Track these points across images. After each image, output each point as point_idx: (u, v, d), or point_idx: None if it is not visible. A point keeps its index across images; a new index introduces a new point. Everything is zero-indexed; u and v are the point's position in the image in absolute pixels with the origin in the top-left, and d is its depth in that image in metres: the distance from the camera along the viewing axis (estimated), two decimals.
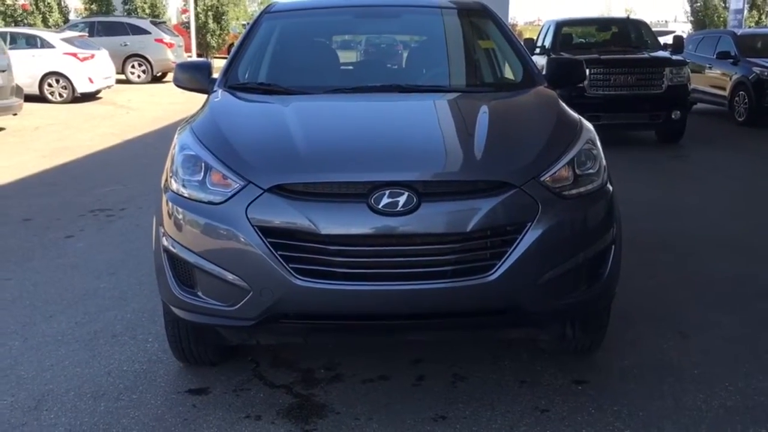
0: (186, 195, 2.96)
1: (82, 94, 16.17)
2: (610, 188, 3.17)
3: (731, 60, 13.12)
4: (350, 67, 4.25)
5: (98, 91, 16.88)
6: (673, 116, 10.66)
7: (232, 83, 3.90)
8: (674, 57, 11.20)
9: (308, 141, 3.04)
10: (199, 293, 2.93)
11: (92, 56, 16.32)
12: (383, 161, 2.92)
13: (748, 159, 9.83)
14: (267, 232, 2.77)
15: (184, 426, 3.01)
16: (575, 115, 3.51)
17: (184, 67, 4.10)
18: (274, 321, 2.87)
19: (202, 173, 2.95)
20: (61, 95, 16.04)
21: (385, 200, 2.74)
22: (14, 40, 16.23)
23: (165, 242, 3.03)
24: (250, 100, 3.70)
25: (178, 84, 4.12)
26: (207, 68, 4.08)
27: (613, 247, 3.10)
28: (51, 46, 16.09)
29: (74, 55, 15.92)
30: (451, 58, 4.25)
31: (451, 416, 3.08)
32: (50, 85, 16.04)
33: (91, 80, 16.20)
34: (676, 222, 6.38)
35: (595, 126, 11.37)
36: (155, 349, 3.70)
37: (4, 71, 11.86)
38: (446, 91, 3.75)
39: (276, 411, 3.12)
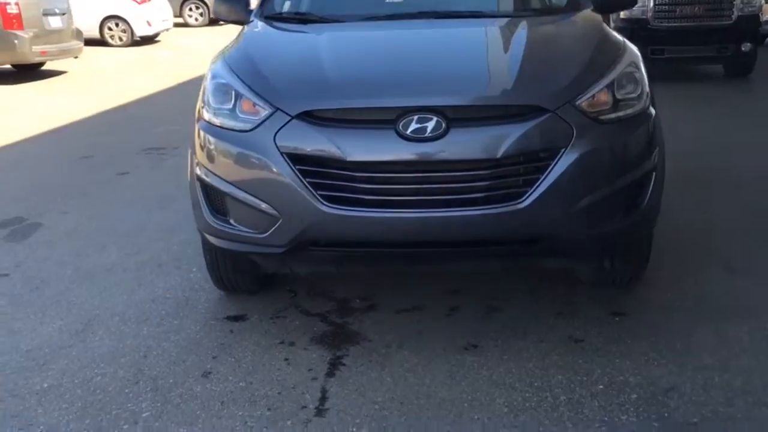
0: (217, 124, 2.98)
1: (141, 37, 16.39)
2: (653, 112, 3.04)
3: None
4: None
5: (156, 35, 17.09)
6: (742, 49, 10.10)
7: (268, 13, 3.87)
8: None
9: (337, 67, 3.01)
10: (231, 221, 2.97)
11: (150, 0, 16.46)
12: (411, 86, 2.86)
13: None
14: (295, 159, 2.76)
15: (221, 350, 3.10)
16: (619, 37, 3.36)
17: None
18: (303, 248, 2.89)
19: (233, 101, 2.95)
20: (120, 39, 16.30)
21: (413, 126, 2.70)
22: None
23: (198, 171, 3.07)
24: (283, 29, 3.67)
25: (217, 16, 4.11)
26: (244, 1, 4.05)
27: (653, 174, 2.99)
28: None
29: None
30: None
31: (482, 345, 3.08)
32: (110, 29, 16.31)
33: (149, 23, 16.39)
34: (735, 158, 6.11)
35: (659, 60, 10.97)
36: (198, 279, 3.79)
37: (64, 14, 12.09)
38: (484, 17, 3.63)
39: (310, 338, 3.18)
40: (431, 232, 2.77)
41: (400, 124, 2.70)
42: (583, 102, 2.80)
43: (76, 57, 12.71)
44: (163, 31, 17.30)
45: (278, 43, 3.51)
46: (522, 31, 3.25)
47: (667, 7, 10.24)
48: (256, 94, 2.90)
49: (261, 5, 3.94)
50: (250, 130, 2.85)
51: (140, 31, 16.32)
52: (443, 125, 2.69)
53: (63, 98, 10.13)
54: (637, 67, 3.08)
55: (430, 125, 2.69)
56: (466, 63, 3.05)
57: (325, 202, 2.74)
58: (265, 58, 3.20)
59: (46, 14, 11.63)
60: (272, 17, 3.83)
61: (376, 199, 2.74)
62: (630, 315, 3.31)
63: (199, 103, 3.17)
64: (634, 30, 10.37)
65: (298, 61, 3.13)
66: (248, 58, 3.20)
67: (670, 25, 10.28)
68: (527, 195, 2.72)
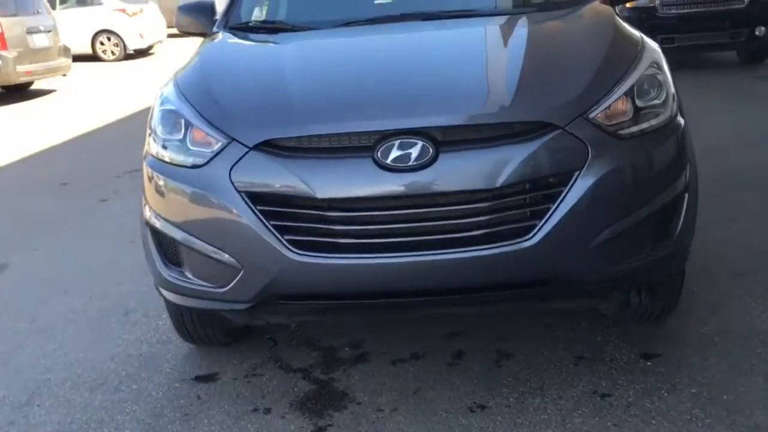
0: (166, 158, 2.52)
1: (134, 50, 15.99)
2: (681, 121, 2.57)
3: None
4: None
5: (150, 47, 16.69)
6: (756, 33, 9.56)
7: (234, 23, 3.41)
8: None
9: (304, 86, 2.54)
10: (187, 273, 2.52)
11: (141, 11, 16.06)
12: (393, 105, 2.39)
13: None
14: (255, 198, 2.30)
15: (183, 423, 2.64)
16: (636, 33, 2.88)
17: (185, 9, 3.62)
18: (272, 303, 2.44)
19: (183, 131, 2.50)
20: (113, 53, 15.92)
21: (395, 153, 2.23)
22: (64, 0, 16.12)
23: (147, 215, 2.62)
24: (248, 42, 3.20)
25: (180, 28, 3.67)
26: (209, 9, 3.59)
27: (686, 195, 2.51)
28: (100, 3, 15.89)
29: (123, 11, 15.70)
30: None
31: (491, 405, 2.60)
32: (102, 44, 15.94)
33: (141, 36, 16.00)
34: (760, 154, 5.62)
35: (669, 49, 10.50)
36: (166, 329, 3.33)
37: (49, 32, 11.69)
38: (479, 15, 3.15)
39: (289, 402, 2.71)
40: (421, 279, 2.30)
41: (379, 152, 2.24)
42: (598, 114, 2.33)
43: (64, 75, 12.33)
44: (156, 43, 16.90)
45: (238, 59, 3.03)
46: (522, 31, 2.77)
47: None
48: (208, 122, 2.44)
49: (225, 14, 3.48)
50: (203, 165, 2.39)
51: (133, 44, 15.93)
52: (431, 151, 2.23)
53: (46, 120, 9.72)
54: (660, 68, 2.60)
55: (415, 151, 2.23)
56: (457, 74, 2.56)
57: (293, 249, 2.28)
58: (221, 78, 2.74)
59: (30, 32, 11.24)
60: (238, 28, 3.37)
61: (354, 242, 2.28)
62: (663, 357, 2.82)
63: (147, 135, 2.72)
64: (642, 19, 9.89)
65: (260, 81, 2.66)
66: (201, 80, 2.73)
67: (679, 11, 9.77)
68: (535, 230, 2.25)
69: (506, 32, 2.84)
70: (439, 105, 2.36)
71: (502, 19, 3.06)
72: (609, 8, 3.11)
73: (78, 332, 3.43)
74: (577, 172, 2.26)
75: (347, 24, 3.20)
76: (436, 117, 2.29)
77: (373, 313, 2.74)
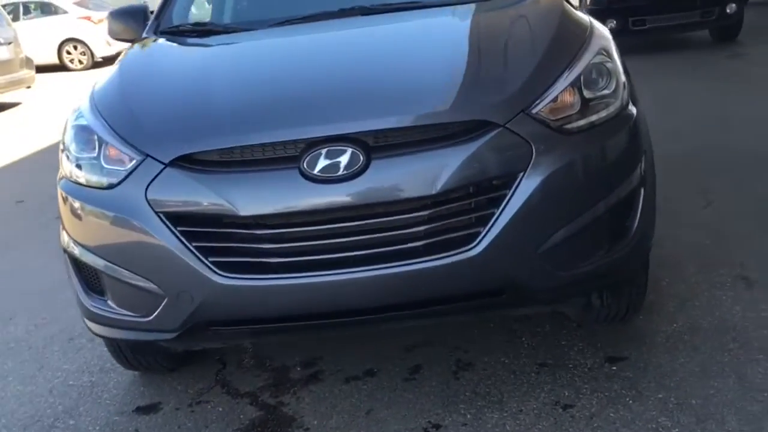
0: (80, 179, 2.34)
1: (102, 58, 15.68)
2: (634, 110, 2.40)
3: None
4: None
5: (118, 54, 16.38)
6: (727, 10, 9.46)
7: (164, 27, 3.21)
8: None
9: (228, 94, 2.35)
10: (110, 302, 2.33)
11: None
12: (319, 111, 2.20)
13: None
14: (175, 218, 2.12)
15: None
16: (585, 19, 2.72)
17: (116, 15, 3.44)
18: (202, 330, 2.26)
19: (97, 149, 2.31)
20: (80, 62, 15.61)
21: (322, 162, 2.06)
22: (28, 10, 15.80)
23: (65, 241, 2.43)
24: (175, 46, 3.01)
25: (114, 36, 3.47)
26: (141, 13, 3.40)
27: (641, 190, 2.35)
28: (65, 12, 15.58)
29: (88, 18, 15.39)
30: None
31: (447, 423, 2.43)
32: (69, 53, 15.61)
33: (108, 43, 15.64)
34: (733, 135, 5.47)
35: (641, 31, 10.32)
36: (110, 355, 3.14)
37: (10, 43, 11.40)
38: (421, 8, 2.96)
39: (233, 431, 2.54)
40: (360, 297, 2.13)
41: (305, 162, 2.06)
42: (542, 109, 2.16)
43: (28, 87, 12.03)
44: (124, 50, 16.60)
45: (161, 66, 2.82)
46: (463, 24, 2.59)
47: None
48: (121, 138, 2.25)
49: (156, 18, 3.29)
50: (117, 184, 2.21)
51: (100, 52, 15.60)
52: (361, 158, 2.05)
53: (9, 134, 9.47)
54: (609, 55, 2.43)
55: (344, 159, 2.05)
56: (390, 73, 2.38)
57: (219, 272, 2.10)
58: (139, 89, 2.54)
59: None
60: (169, 32, 3.18)
61: (284, 261, 2.11)
62: (629, 359, 2.67)
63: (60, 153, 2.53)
64: (612, 2, 9.78)
65: (181, 90, 2.47)
66: (117, 91, 2.54)
67: None
68: (480, 238, 2.08)
69: (446, 26, 2.66)
70: (369, 108, 2.18)
71: (445, 11, 2.88)
72: None
73: (19, 363, 3.24)
74: (521, 173, 2.10)
75: (283, 23, 3.01)
76: (366, 121, 2.12)
77: (315, 333, 2.57)
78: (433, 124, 2.12)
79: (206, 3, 3.59)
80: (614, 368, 2.63)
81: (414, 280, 2.09)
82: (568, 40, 2.44)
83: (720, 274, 3.24)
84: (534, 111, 2.14)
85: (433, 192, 2.06)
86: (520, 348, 2.82)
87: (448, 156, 2.07)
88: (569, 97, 2.22)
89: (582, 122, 2.21)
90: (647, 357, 2.67)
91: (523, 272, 2.15)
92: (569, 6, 2.85)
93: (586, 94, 2.26)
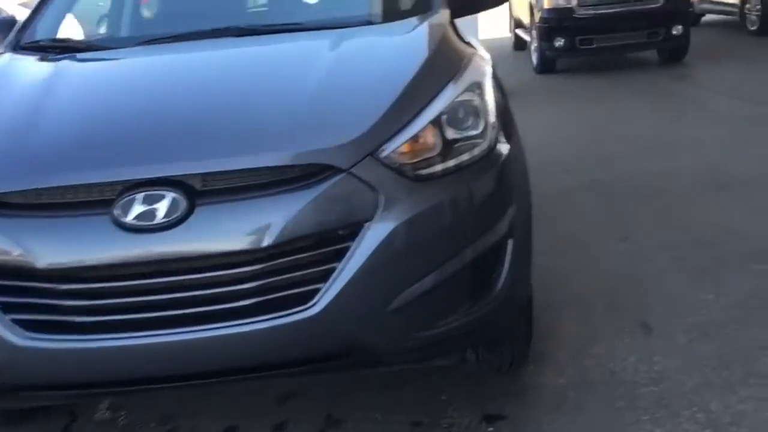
0: None
1: None
2: (505, 151, 2.19)
3: None
4: (181, 7, 3.23)
5: None
6: (674, 32, 9.47)
7: (25, 41, 2.94)
8: None
9: (48, 127, 2.08)
10: None
11: None
12: (139, 149, 1.96)
13: (759, 74, 8.62)
14: None
15: None
16: (464, 48, 2.51)
17: None
18: (9, 394, 2.00)
19: None
20: None
21: (138, 208, 1.81)
22: None
23: None
24: (26, 65, 2.72)
25: None
26: (9, 27, 3.12)
27: (509, 241, 2.13)
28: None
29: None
30: None
31: None
32: None
33: None
34: (668, 161, 5.35)
35: (589, 50, 10.23)
36: None
37: None
38: (297, 30, 2.74)
39: None
40: (181, 360, 1.89)
41: (118, 208, 1.82)
42: (393, 152, 1.94)
43: None
44: None
45: None
46: (325, 53, 2.34)
47: None
48: None
49: (19, 31, 3.01)
50: None
51: None
52: (183, 204, 1.82)
53: None
54: (480, 90, 2.22)
55: (163, 206, 1.81)
56: (230, 108, 2.14)
57: (20, 331, 1.85)
58: None
59: None
60: (30, 47, 2.90)
61: (94, 321, 1.86)
62: (508, 419, 2.45)
63: None
64: (561, 20, 9.72)
65: (6, 118, 2.20)
66: None
67: (596, 12, 9.64)
68: (319, 296, 1.86)
69: (308, 54, 2.42)
70: (196, 147, 1.94)
71: (318, 35, 2.64)
72: (442, 21, 2.72)
73: None
74: (366, 224, 1.88)
75: (150, 42, 2.77)
76: (190, 162, 1.88)
77: (140, 393, 2.31)
78: (268, 167, 1.89)
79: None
80: (491, 429, 2.42)
81: (243, 342, 1.86)
82: (436, 73, 2.22)
83: (622, 318, 3.06)
84: (383, 154, 1.92)
85: (267, 244, 1.83)
86: (395, 403, 2.59)
87: (285, 203, 1.85)
88: (428, 139, 2.01)
89: (441, 166, 2.00)
90: (527, 416, 2.47)
91: (369, 334, 1.93)
92: (452, 32, 2.64)
93: (449, 134, 2.06)
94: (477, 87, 2.21)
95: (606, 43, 9.66)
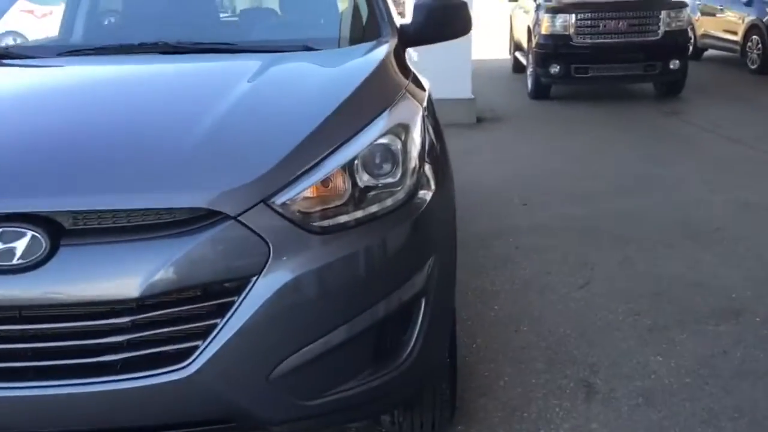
0: None
1: None
2: (426, 198, 2.00)
3: (744, 0, 11.59)
4: (120, 17, 3.06)
5: None
6: (671, 66, 9.30)
7: None
8: None
9: None
10: None
11: (51, 12, 15.20)
12: (4, 180, 1.79)
13: (752, 114, 8.46)
14: None
15: None
16: (399, 86, 2.33)
17: None
18: None
19: None
20: None
21: None
22: None
23: None
24: None
25: None
26: None
27: (423, 300, 1.95)
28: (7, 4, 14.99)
29: (31, 12, 14.81)
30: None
31: None
32: None
33: None
34: (645, 201, 5.19)
35: (584, 79, 10.09)
36: None
37: None
38: (232, 51, 2.57)
39: None
40: (40, 418, 1.71)
41: None
42: (291, 199, 1.77)
43: None
44: None
45: None
46: (242, 83, 2.12)
47: (589, 21, 9.42)
48: None
49: None
50: None
51: None
52: (45, 244, 1.64)
53: None
54: (404, 132, 2.03)
55: (21, 245, 1.64)
56: (115, 138, 1.94)
57: None
58: None
59: None
60: None
61: None
62: None
63: None
64: (557, 47, 9.57)
65: None
66: None
67: (593, 41, 9.48)
68: (196, 355, 1.69)
69: (223, 81, 2.22)
70: (66, 180, 1.75)
71: (244, 60, 2.47)
72: (386, 50, 2.54)
73: None
74: (254, 278, 1.70)
75: (69, 53, 2.60)
76: (57, 197, 1.70)
77: None
78: (147, 208, 1.71)
79: None
80: None
81: (109, 402, 1.68)
82: (356, 112, 2.04)
83: (565, 376, 2.88)
84: (279, 201, 1.75)
85: (140, 293, 1.65)
86: None
87: (163, 250, 1.67)
88: (335, 186, 1.84)
89: (347, 217, 1.83)
90: None
91: (251, 400, 1.75)
92: (392, 64, 2.46)
93: (362, 181, 1.88)
94: (401, 129, 2.03)
95: (602, 73, 9.51)
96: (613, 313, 3.44)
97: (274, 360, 1.73)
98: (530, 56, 10.19)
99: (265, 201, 1.73)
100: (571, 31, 9.51)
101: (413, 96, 2.29)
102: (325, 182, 1.82)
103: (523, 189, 5.62)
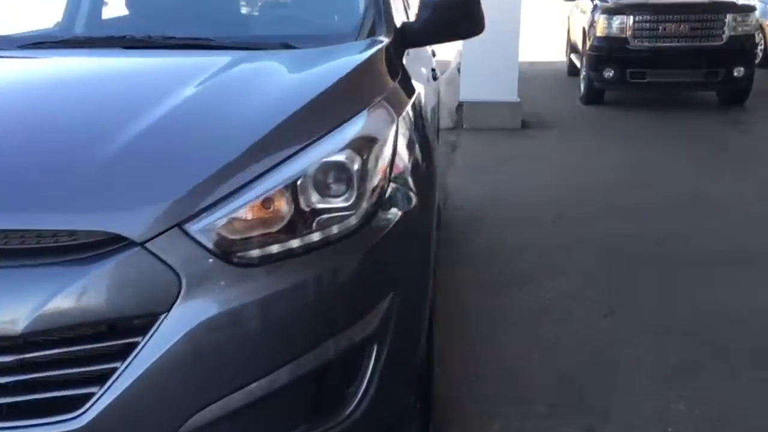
0: None
1: None
2: (389, 224, 1.73)
3: None
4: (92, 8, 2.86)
5: None
6: (735, 73, 8.72)
7: None
8: (740, 1, 9.19)
9: None
10: None
11: None
12: None
13: None
14: None
15: None
16: (375, 93, 2.03)
17: None
18: None
19: None
20: None
21: None
22: None
23: None
24: None
25: None
26: None
27: (375, 346, 1.67)
28: None
29: None
30: None
31: None
32: None
33: None
34: (688, 220, 4.77)
35: (640, 85, 9.64)
36: None
37: None
38: (202, 47, 2.32)
39: None
40: None
41: None
42: (212, 224, 1.51)
43: None
44: None
45: None
46: (189, 86, 1.86)
47: (648, 24, 8.91)
48: None
49: None
50: None
51: None
52: None
53: None
54: (369, 147, 1.74)
55: None
56: (19, 147, 1.69)
57: None
58: None
59: None
60: None
61: None
62: None
63: None
64: (613, 50, 9.11)
65: None
66: None
67: (651, 45, 8.97)
68: (90, 403, 1.45)
69: (171, 83, 1.95)
70: None
71: (208, 58, 2.22)
72: (373, 49, 2.24)
73: None
74: (162, 316, 1.45)
75: (32, 44, 2.41)
76: None
77: None
78: (31, 230, 1.47)
79: None
80: None
81: None
82: (312, 121, 1.76)
83: (569, 423, 2.55)
84: (197, 227, 1.49)
85: (27, 327, 1.42)
86: None
87: (56, 279, 1.44)
88: (274, 208, 1.57)
89: (279, 247, 1.55)
90: None
91: None
92: (376, 64, 2.18)
93: (308, 204, 1.61)
94: (364, 144, 1.75)
95: (659, 79, 9.00)
96: (637, 346, 3.09)
97: (183, 413, 1.48)
98: (584, 59, 9.75)
99: (179, 226, 1.48)
100: (628, 33, 9.01)
101: (392, 104, 2.01)
102: (261, 204, 1.56)
103: (561, 202, 5.27)
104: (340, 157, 1.67)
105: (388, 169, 1.78)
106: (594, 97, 9.56)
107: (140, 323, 1.45)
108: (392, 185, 1.78)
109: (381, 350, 1.68)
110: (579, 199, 5.36)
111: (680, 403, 2.67)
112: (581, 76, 9.96)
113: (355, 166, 1.68)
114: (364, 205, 1.67)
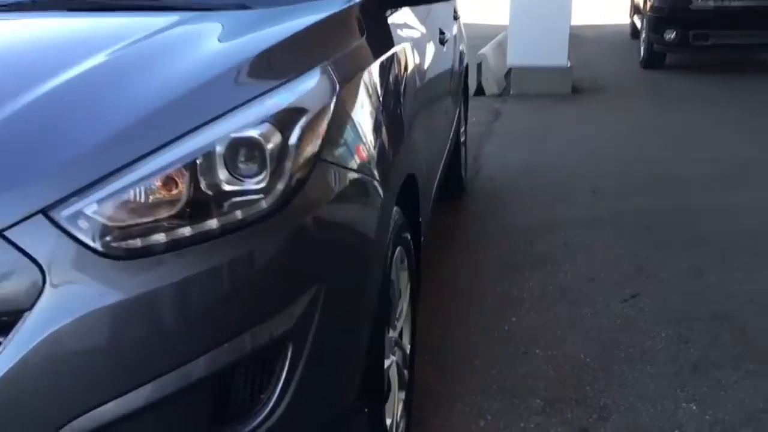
0: None
1: None
2: (318, 207, 1.51)
3: None
4: None
5: None
6: None
7: None
8: None
9: None
10: None
11: None
12: None
13: None
14: None
15: None
16: (328, 53, 1.78)
17: None
18: None
19: None
20: None
21: None
22: None
23: None
24: None
25: None
26: None
27: (291, 345, 1.46)
28: None
29: None
30: None
31: None
32: None
33: None
34: (742, 196, 4.40)
35: (703, 47, 9.15)
36: None
37: None
38: (147, 9, 2.10)
39: None
40: None
41: None
42: (86, 210, 1.31)
43: None
44: None
45: None
46: (101, 52, 1.66)
47: None
48: None
49: None
50: None
51: None
52: None
53: None
54: (294, 119, 1.51)
55: None
56: None
57: None
58: None
59: None
60: None
61: None
62: None
63: None
64: (674, 10, 8.57)
65: None
66: None
67: (716, 4, 8.42)
68: None
69: (89, 47, 1.74)
70: None
71: (148, 19, 2.00)
72: (336, 9, 1.99)
73: None
74: (24, 313, 1.28)
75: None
76: None
77: None
78: None
79: None
80: None
81: None
82: (226, 91, 1.54)
83: (562, 422, 2.30)
84: (67, 212, 1.30)
85: None
86: None
87: None
88: (163, 191, 1.37)
89: (170, 236, 1.35)
90: None
91: None
92: (335, 26, 1.95)
93: (210, 185, 1.40)
94: (288, 115, 1.52)
95: (724, 41, 8.43)
96: (655, 337, 2.80)
97: (52, 422, 1.31)
98: (644, 20, 9.21)
99: (45, 212, 1.30)
100: None
101: (341, 70, 1.76)
102: (149, 186, 1.36)
103: (601, 173, 4.94)
104: (253, 133, 1.45)
105: (318, 145, 1.55)
106: (654, 60, 9.05)
107: (5, 321, 1.28)
108: (324, 163, 1.56)
109: (299, 351, 1.47)
110: (620, 170, 5.01)
111: (692, 403, 2.38)
112: (641, 39, 9.44)
113: (271, 144, 1.46)
114: (280, 186, 1.45)
